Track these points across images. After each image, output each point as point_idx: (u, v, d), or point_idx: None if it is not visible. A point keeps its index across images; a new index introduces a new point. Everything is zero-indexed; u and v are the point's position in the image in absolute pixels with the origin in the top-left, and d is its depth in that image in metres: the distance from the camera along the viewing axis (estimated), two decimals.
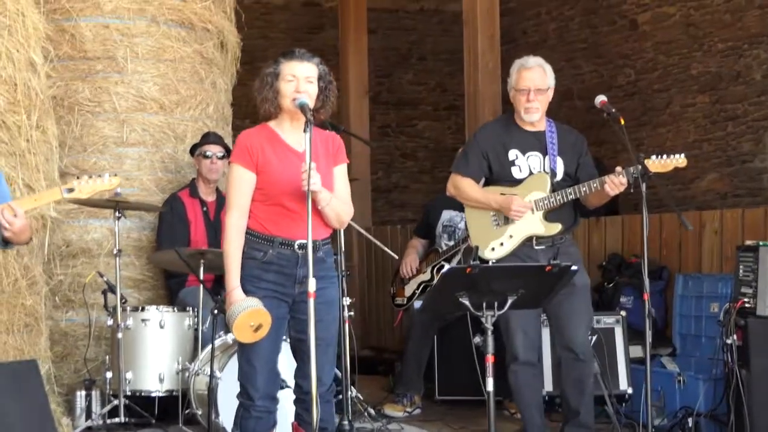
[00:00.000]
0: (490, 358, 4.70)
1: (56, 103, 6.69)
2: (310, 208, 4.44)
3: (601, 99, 5.63)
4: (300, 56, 4.69)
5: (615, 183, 5.51)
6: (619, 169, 5.52)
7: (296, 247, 4.58)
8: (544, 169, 5.74)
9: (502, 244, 5.72)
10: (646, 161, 5.46)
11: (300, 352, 4.63)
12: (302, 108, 4.55)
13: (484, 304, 4.71)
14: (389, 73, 12.98)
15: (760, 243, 5.94)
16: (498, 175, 5.78)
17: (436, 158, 12.75)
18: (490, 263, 5.60)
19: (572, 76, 11.85)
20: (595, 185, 5.59)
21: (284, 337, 4.81)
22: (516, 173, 5.75)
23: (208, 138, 6.86)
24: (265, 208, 4.62)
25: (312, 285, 4.38)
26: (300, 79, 4.62)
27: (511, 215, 5.65)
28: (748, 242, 6.07)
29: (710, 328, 6.60)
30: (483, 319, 4.73)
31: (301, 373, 4.63)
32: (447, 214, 7.43)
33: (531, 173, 5.74)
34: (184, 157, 7.05)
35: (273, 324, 4.52)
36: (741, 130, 10.04)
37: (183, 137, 7.09)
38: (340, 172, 4.79)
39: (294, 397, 4.77)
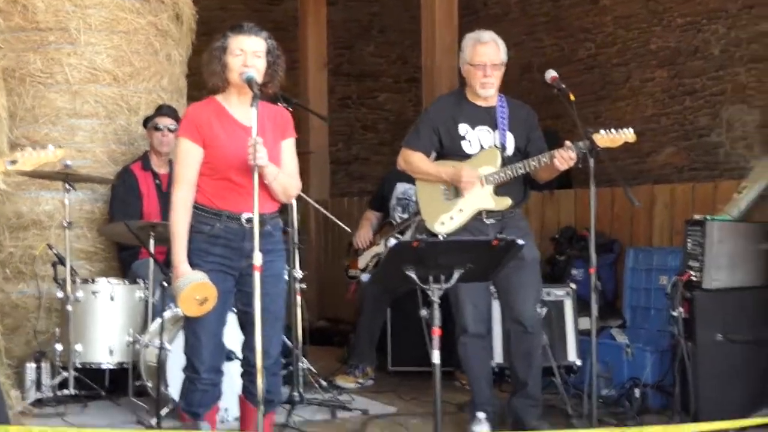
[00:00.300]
0: (436, 331, 4.73)
1: (7, 74, 6.65)
2: (256, 183, 4.46)
3: (551, 75, 5.64)
4: (248, 30, 4.69)
5: (564, 158, 5.55)
6: (568, 143, 5.56)
7: (243, 220, 4.60)
8: (494, 144, 5.77)
9: (452, 218, 5.75)
10: (594, 136, 5.49)
11: (247, 325, 4.64)
12: (249, 82, 4.56)
13: (431, 278, 4.76)
14: (350, 45, 12.95)
15: (707, 217, 6.01)
16: (449, 150, 5.81)
17: (396, 131, 12.74)
18: (440, 237, 5.64)
19: (533, 49, 11.87)
20: (544, 160, 5.63)
21: (233, 309, 4.83)
22: (466, 148, 5.78)
23: (161, 110, 6.85)
24: (213, 182, 4.63)
25: (258, 258, 4.41)
26: (248, 53, 4.63)
27: (461, 186, 5.67)
28: (696, 216, 6.14)
29: (660, 300, 6.68)
30: (430, 293, 4.77)
31: (248, 346, 4.65)
32: (401, 187, 7.46)
33: (482, 148, 5.77)
34: (138, 129, 7.02)
35: (219, 297, 4.54)
36: (698, 105, 10.11)
37: (136, 109, 7.07)
38: (288, 146, 4.81)
39: (242, 369, 4.81)
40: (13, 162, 4.55)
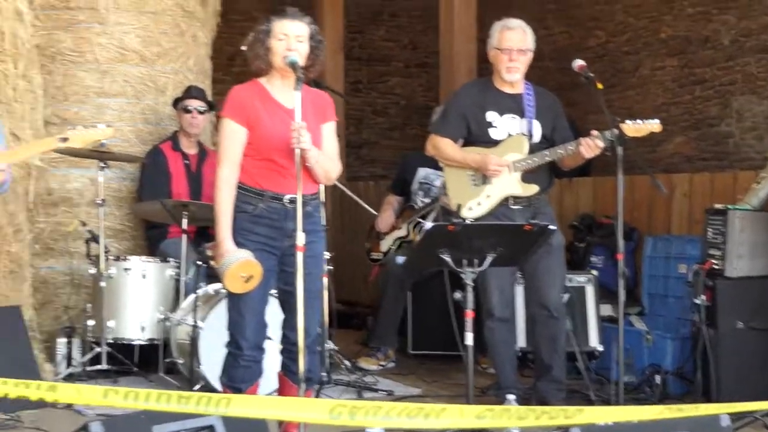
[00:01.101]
0: (470, 314, 4.83)
1: (39, 52, 6.70)
2: (299, 168, 4.53)
3: (579, 63, 5.70)
4: (291, 15, 4.76)
5: (591, 146, 5.63)
6: (595, 132, 5.63)
7: (286, 201, 4.67)
8: (521, 132, 5.85)
9: (479, 203, 5.83)
10: (621, 125, 5.57)
11: (288, 304, 4.71)
12: (293, 66, 4.63)
13: (465, 261, 4.84)
14: (361, 30, 12.98)
15: (729, 207, 6.11)
16: (476, 137, 5.88)
17: (406, 115, 12.80)
18: (468, 222, 5.72)
19: (543, 37, 11.77)
20: (571, 148, 5.71)
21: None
22: (494, 135, 5.85)
23: (190, 92, 6.91)
24: (256, 162, 4.70)
25: (301, 239, 4.49)
26: (291, 37, 4.69)
27: (489, 174, 5.76)
28: (718, 206, 6.23)
29: (678, 288, 6.77)
30: (463, 276, 4.86)
31: (289, 324, 4.72)
32: (423, 172, 7.53)
33: (509, 135, 5.85)
34: (165, 109, 7.09)
35: (263, 276, 4.62)
36: (708, 95, 10.17)
37: (164, 89, 7.14)
38: (329, 129, 4.89)
39: (279, 348, 4.88)
40: (65, 139, 4.61)
